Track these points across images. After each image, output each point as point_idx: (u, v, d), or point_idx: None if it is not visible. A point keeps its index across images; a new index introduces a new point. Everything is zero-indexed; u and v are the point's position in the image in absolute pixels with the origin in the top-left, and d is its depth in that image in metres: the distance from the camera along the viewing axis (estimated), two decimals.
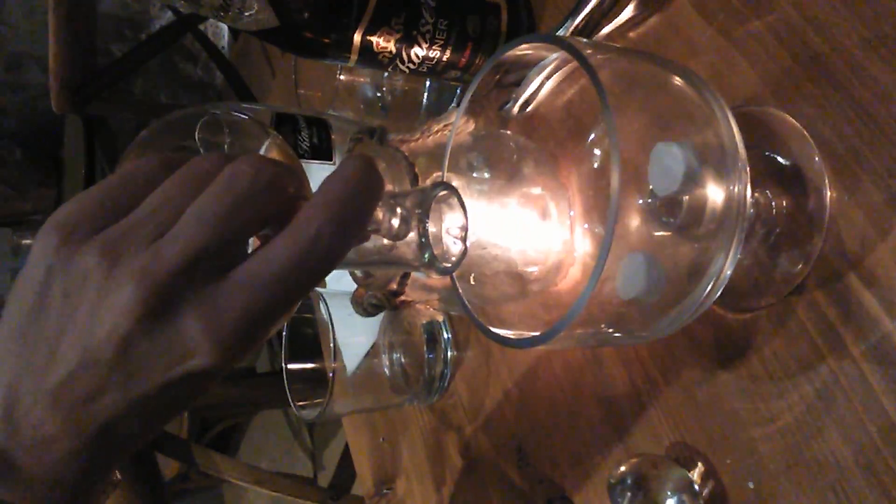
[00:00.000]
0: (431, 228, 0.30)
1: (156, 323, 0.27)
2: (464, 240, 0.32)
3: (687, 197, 0.33)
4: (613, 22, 0.49)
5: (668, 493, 0.41)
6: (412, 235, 0.31)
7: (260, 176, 0.28)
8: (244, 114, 0.42)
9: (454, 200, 0.32)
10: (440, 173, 0.38)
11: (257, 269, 0.27)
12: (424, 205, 0.30)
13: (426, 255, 0.31)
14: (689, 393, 0.43)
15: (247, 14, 0.44)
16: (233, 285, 0.27)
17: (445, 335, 0.65)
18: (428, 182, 0.49)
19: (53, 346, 0.27)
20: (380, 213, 0.31)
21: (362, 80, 0.70)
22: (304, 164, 0.57)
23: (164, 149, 0.37)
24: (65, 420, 0.27)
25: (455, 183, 0.39)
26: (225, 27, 1.91)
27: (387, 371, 0.66)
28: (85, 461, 0.28)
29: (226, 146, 0.40)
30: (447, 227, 0.32)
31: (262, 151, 0.39)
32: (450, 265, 0.32)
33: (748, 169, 0.32)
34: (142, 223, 0.28)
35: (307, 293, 0.30)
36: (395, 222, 0.31)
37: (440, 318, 0.66)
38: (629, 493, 0.41)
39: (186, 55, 2.08)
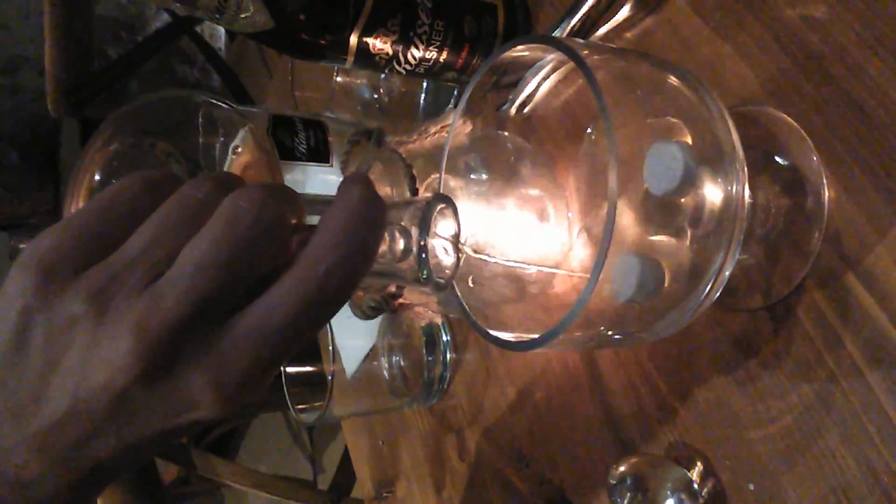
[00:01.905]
0: (430, 243, 0.30)
1: (156, 378, 0.25)
2: (458, 252, 0.32)
3: (685, 198, 0.33)
4: (610, 22, 0.49)
5: (668, 493, 0.41)
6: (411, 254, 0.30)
7: (263, 215, 0.26)
8: (222, 102, 0.40)
9: (449, 211, 0.31)
10: (436, 175, 0.38)
11: (264, 317, 0.26)
12: (425, 223, 0.30)
13: (425, 273, 0.30)
14: (688, 393, 0.43)
15: (242, 16, 0.44)
16: (238, 335, 0.26)
17: (444, 338, 0.65)
18: (422, 191, 0.48)
19: (37, 391, 0.26)
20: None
21: (359, 81, 0.70)
22: (301, 167, 0.57)
23: (132, 139, 0.35)
24: (52, 464, 0.26)
25: (452, 184, 0.39)
26: (222, 29, 1.91)
27: (386, 374, 0.66)
28: (72, 497, 0.27)
29: (219, 143, 0.38)
30: (442, 241, 0.31)
31: (237, 141, 0.37)
32: (444, 280, 0.31)
33: (746, 169, 0.32)
34: (133, 265, 0.26)
35: (316, 335, 0.28)
36: (398, 245, 0.30)
37: (439, 320, 0.66)
38: (629, 494, 0.40)
39: (183, 57, 2.08)
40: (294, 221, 0.28)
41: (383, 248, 0.29)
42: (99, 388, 0.25)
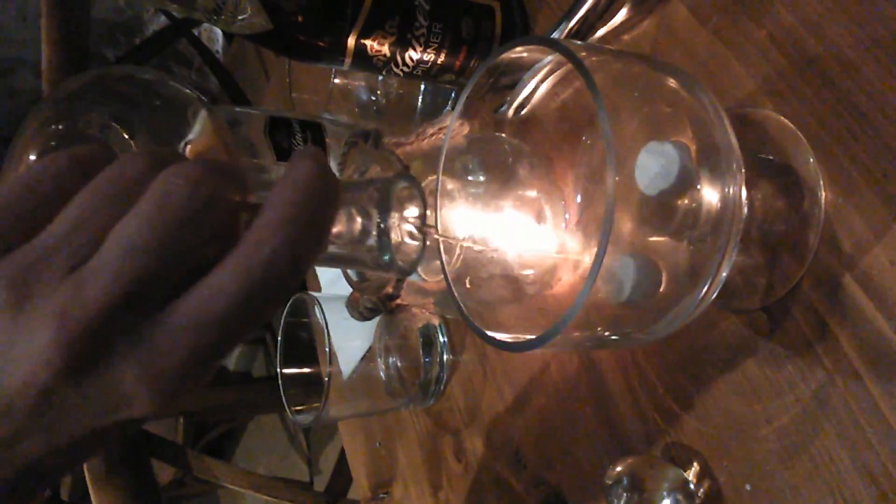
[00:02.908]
0: (391, 225, 0.28)
1: (82, 372, 0.23)
2: (424, 235, 0.30)
3: (683, 199, 0.33)
4: (608, 24, 0.49)
5: (664, 493, 0.41)
6: (371, 236, 0.28)
7: (199, 191, 0.24)
8: (178, 83, 0.36)
9: (414, 192, 0.29)
10: (433, 177, 0.38)
11: (203, 305, 0.23)
12: (385, 202, 0.28)
13: (386, 256, 0.28)
14: (685, 394, 0.43)
15: (240, 17, 0.44)
16: (174, 325, 0.23)
17: (441, 339, 0.65)
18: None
19: None
20: (338, 218, 0.28)
21: (357, 83, 0.70)
22: None
23: (71, 118, 0.32)
24: None
25: (450, 186, 0.39)
26: (219, 31, 1.91)
27: (383, 375, 0.66)
28: (6, 494, 0.25)
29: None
30: (407, 222, 0.29)
31: (196, 126, 0.35)
32: (407, 266, 0.29)
33: (743, 170, 0.32)
34: (56, 248, 0.23)
35: (264, 322, 0.26)
36: (355, 226, 0.28)
37: (436, 321, 0.66)
38: (625, 494, 0.41)
39: (181, 60, 2.08)
40: (239, 199, 0.25)
41: (339, 228, 0.28)
42: (20, 385, 0.23)
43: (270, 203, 0.25)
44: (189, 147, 0.35)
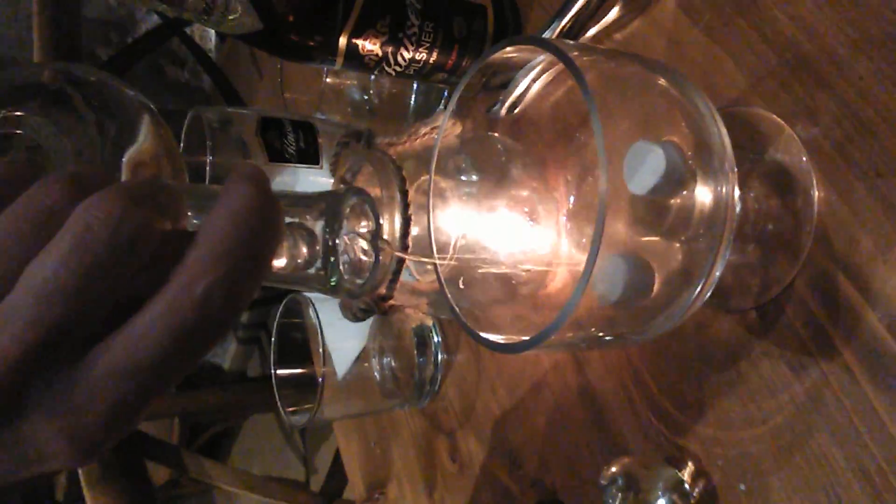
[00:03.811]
0: (340, 245, 0.25)
1: None
2: (377, 251, 0.27)
3: (675, 198, 0.33)
4: (599, 23, 0.49)
5: (659, 493, 0.41)
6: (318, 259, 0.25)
7: (122, 226, 0.21)
8: (123, 85, 0.34)
9: (365, 206, 0.27)
10: (426, 177, 0.38)
11: (128, 352, 0.21)
12: (334, 222, 0.25)
13: (334, 280, 0.26)
14: (679, 394, 0.43)
15: (230, 17, 0.44)
16: (96, 374, 0.21)
17: (435, 339, 0.65)
18: (412, 193, 0.46)
19: None
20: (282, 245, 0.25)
21: (349, 82, 0.70)
22: (290, 169, 0.56)
23: None
24: None
25: (442, 186, 0.39)
26: (212, 30, 1.91)
27: (377, 375, 0.65)
28: None
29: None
30: (359, 240, 0.27)
31: (140, 133, 0.32)
32: (357, 289, 0.27)
33: (735, 169, 0.32)
34: None
35: (196, 365, 0.23)
36: (300, 251, 0.25)
37: (430, 321, 0.65)
38: (620, 494, 0.40)
39: (173, 59, 2.07)
40: (171, 227, 0.23)
41: (282, 256, 0.25)
42: None
43: (203, 234, 0.22)
44: (129, 156, 0.33)
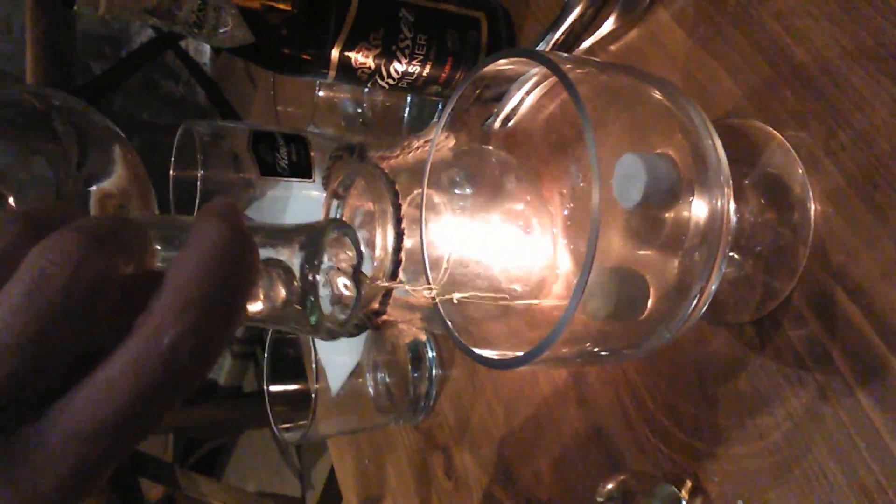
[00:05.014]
0: (320, 281, 0.24)
1: None
2: (359, 286, 0.26)
3: (670, 212, 0.33)
4: (594, 36, 0.49)
5: None
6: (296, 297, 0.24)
7: (81, 272, 0.19)
8: (96, 114, 0.33)
9: (346, 239, 0.26)
10: (419, 191, 0.38)
11: (89, 410, 0.19)
12: (313, 257, 0.24)
13: (314, 318, 0.24)
14: (676, 409, 0.42)
15: (221, 31, 0.44)
16: (54, 437, 0.19)
17: (430, 354, 0.65)
18: (405, 207, 0.46)
19: None
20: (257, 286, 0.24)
21: (342, 95, 0.69)
22: (283, 183, 0.56)
23: None
24: None
25: (436, 200, 0.39)
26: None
27: (371, 391, 0.65)
28: None
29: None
30: (339, 276, 0.26)
31: (111, 162, 0.31)
32: (338, 328, 0.26)
33: (731, 182, 0.31)
34: None
35: (164, 419, 0.21)
36: (277, 291, 0.24)
37: (424, 336, 0.65)
38: None
39: (167, 72, 2.08)
40: (136, 270, 0.22)
41: (257, 297, 0.24)
42: None
43: (170, 279, 0.21)
44: (98, 186, 0.31)
